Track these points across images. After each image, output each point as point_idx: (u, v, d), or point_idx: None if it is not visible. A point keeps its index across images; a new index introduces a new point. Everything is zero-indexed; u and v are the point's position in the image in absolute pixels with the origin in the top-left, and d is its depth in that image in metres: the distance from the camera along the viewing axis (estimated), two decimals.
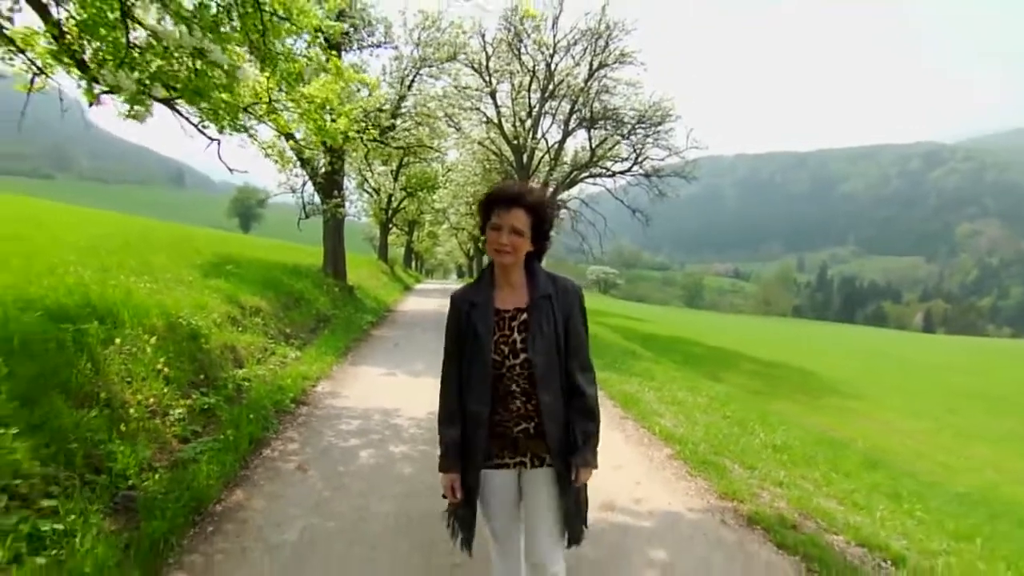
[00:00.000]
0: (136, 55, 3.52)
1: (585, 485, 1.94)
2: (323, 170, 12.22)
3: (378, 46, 13.41)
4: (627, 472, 4.31)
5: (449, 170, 23.77)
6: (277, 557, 2.85)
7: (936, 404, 17.34)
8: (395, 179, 22.09)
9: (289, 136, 6.10)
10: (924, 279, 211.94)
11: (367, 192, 24.09)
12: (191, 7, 3.90)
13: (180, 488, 3.26)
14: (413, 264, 49.07)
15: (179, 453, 3.86)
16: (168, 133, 4.25)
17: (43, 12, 3.89)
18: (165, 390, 4.42)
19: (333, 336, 8.85)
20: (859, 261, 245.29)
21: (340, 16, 5.32)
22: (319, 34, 4.86)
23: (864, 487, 4.88)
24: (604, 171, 21.11)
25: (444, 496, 1.96)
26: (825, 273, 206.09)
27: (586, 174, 21.30)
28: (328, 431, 4.78)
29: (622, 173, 20.81)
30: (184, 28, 3.31)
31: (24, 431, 3.00)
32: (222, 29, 3.95)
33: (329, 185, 12.52)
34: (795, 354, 25.04)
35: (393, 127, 13.71)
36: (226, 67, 3.56)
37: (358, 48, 12.64)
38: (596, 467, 1.91)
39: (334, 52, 5.79)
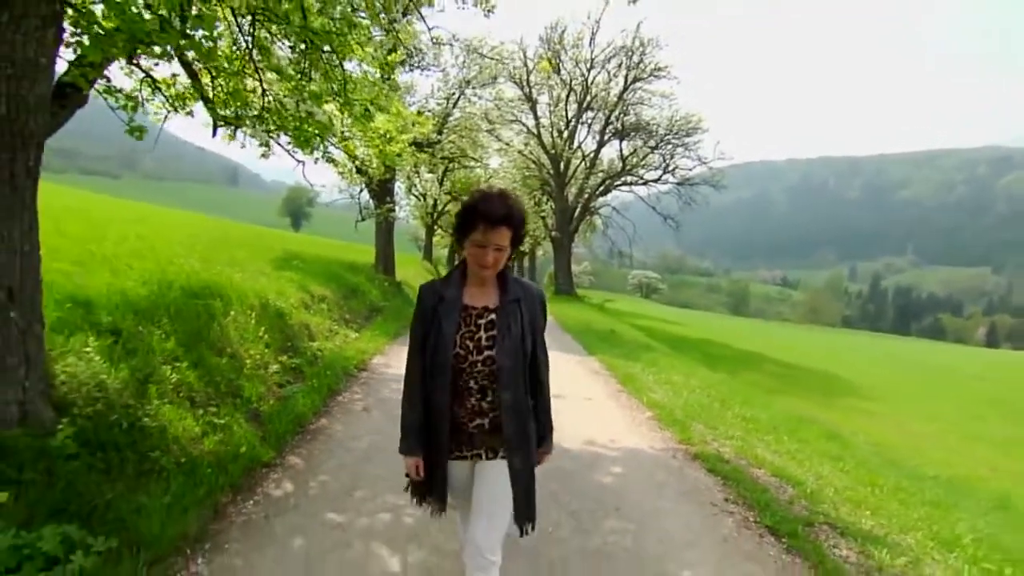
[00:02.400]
0: (264, 114, 5.01)
1: (533, 476, 2.04)
2: (376, 179, 13.84)
3: (427, 68, 14.95)
4: (611, 426, 5.58)
5: (491, 176, 25.27)
6: (353, 455, 4.27)
7: (955, 410, 17.74)
8: (440, 184, 23.71)
9: (355, 158, 7.56)
10: (990, 291, 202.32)
11: (414, 196, 25.83)
12: (294, 72, 5.41)
13: (286, 411, 4.73)
14: (456, 264, 50.84)
15: (281, 392, 5.35)
16: (209, 128, 5.48)
17: (192, 74, 5.43)
18: (265, 351, 5.93)
19: (385, 323, 10.37)
20: (917, 272, 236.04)
21: (394, 48, 6.69)
22: (384, 78, 6.28)
23: (811, 450, 5.99)
24: (637, 179, 22.23)
25: (407, 475, 2.10)
26: (878, 283, 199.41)
27: (619, 182, 22.44)
28: (384, 389, 6.22)
29: (654, 181, 21.89)
30: (294, 100, 4.78)
31: (189, 366, 4.51)
32: (312, 87, 5.44)
33: (382, 192, 14.15)
34: (823, 360, 25.43)
35: (439, 141, 15.24)
36: (321, 119, 5.02)
37: (409, 69, 14.23)
38: (550, 452, 2.19)
39: (395, 94, 7.24)
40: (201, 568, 2.70)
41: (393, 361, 7.75)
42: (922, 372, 27.61)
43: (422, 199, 24.70)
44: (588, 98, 20.63)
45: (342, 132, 6.21)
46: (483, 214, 1.83)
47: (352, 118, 6.19)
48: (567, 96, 20.47)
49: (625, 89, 20.32)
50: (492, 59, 14.14)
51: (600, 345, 11.66)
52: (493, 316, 1.95)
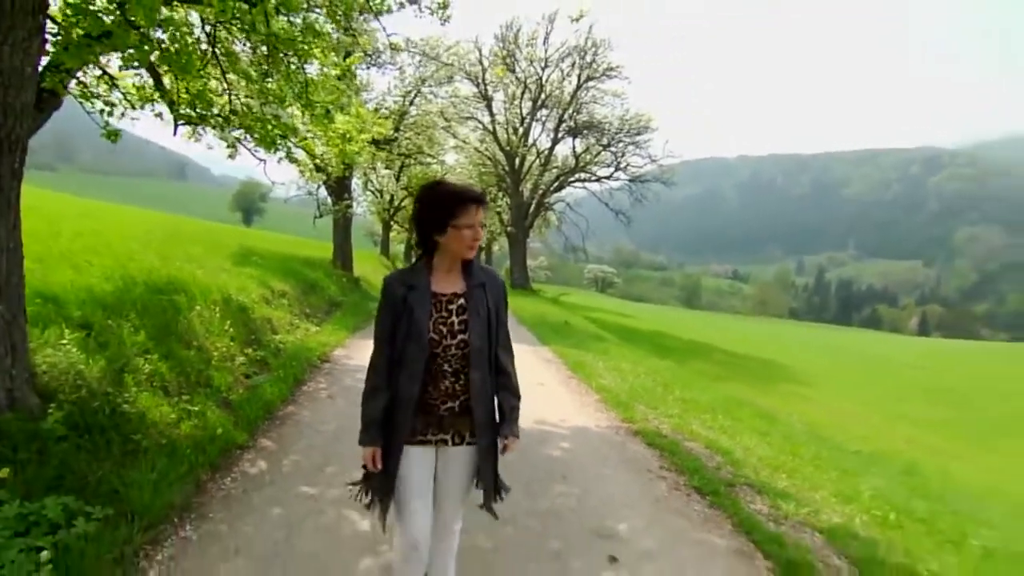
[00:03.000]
0: (230, 115, 5.23)
1: (498, 454, 2.12)
2: (334, 176, 13.96)
3: (383, 66, 15.11)
4: (561, 408, 6.04)
5: (447, 172, 25.49)
6: (322, 437, 4.58)
7: (884, 394, 19.09)
8: (397, 180, 23.81)
9: (315, 156, 7.78)
10: (922, 283, 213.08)
11: (371, 192, 25.84)
12: (255, 74, 5.63)
13: (256, 399, 5.00)
14: (413, 259, 50.83)
15: (249, 382, 5.59)
16: (170, 126, 5.43)
17: (155, 76, 5.59)
18: (231, 344, 6.14)
19: (344, 317, 10.59)
20: (858, 265, 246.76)
21: (351, 51, 6.96)
22: (342, 79, 6.54)
23: (742, 427, 6.59)
24: (590, 176, 22.90)
25: (364, 467, 2.09)
26: (823, 276, 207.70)
27: (573, 178, 23.07)
28: (346, 378, 6.51)
29: (606, 178, 22.61)
30: (258, 103, 5.02)
31: (160, 358, 4.73)
32: (274, 88, 5.68)
33: (339, 188, 14.27)
34: (768, 349, 26.74)
35: (396, 139, 15.45)
36: (287, 121, 5.27)
37: (366, 67, 14.40)
38: (519, 437, 2.12)
39: (356, 97, 7.49)
40: (190, 533, 2.99)
41: (354, 353, 8.02)
42: (856, 360, 29.33)
43: (379, 195, 24.77)
44: (542, 96, 21.13)
45: (303, 132, 6.44)
46: (466, 196, 1.93)
47: (313, 119, 6.45)
48: (522, 94, 20.92)
49: (578, 88, 20.91)
50: (447, 64, 14.46)
51: (553, 336, 12.16)
52: (462, 301, 2.02)
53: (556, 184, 23.57)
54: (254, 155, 6.81)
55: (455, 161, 24.32)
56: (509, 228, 25.39)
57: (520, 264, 26.08)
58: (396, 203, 27.20)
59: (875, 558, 3.31)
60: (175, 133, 6.05)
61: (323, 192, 14.73)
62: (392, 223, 30.40)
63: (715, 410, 7.08)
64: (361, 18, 7.48)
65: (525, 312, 17.63)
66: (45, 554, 2.38)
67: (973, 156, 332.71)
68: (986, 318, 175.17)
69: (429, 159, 18.97)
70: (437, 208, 1.94)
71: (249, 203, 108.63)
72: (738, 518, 3.57)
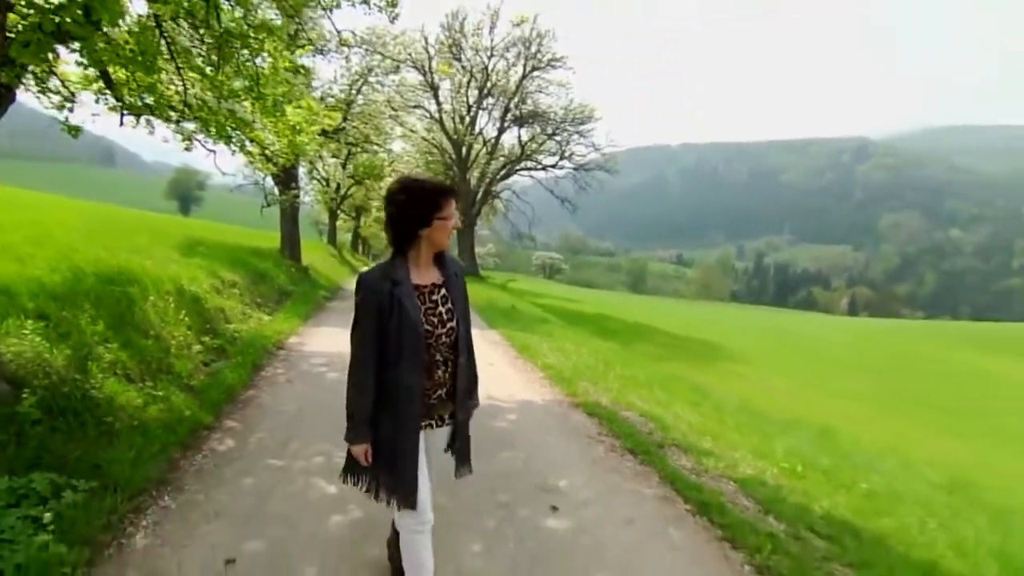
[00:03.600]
0: (184, 109, 5.34)
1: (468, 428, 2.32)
2: (285, 165, 13.88)
3: (329, 53, 15.03)
4: (508, 385, 6.46)
5: (394, 160, 25.44)
6: (285, 418, 4.85)
7: (814, 371, 20.47)
8: (344, 167, 23.63)
9: (264, 148, 7.87)
10: (851, 267, 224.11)
11: (317, 181, 25.52)
12: (203, 64, 5.74)
13: (217, 384, 5.20)
14: (360, 249, 50.30)
15: (209, 369, 5.77)
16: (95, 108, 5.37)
17: (103, 70, 5.62)
18: (188, 333, 6.27)
19: (296, 306, 10.70)
20: (793, 249, 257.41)
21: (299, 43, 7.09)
22: (294, 73, 6.68)
23: (676, 399, 7.19)
24: (536, 164, 23.38)
25: (353, 463, 2.17)
26: (762, 260, 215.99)
27: (520, 167, 23.48)
28: (303, 363, 6.75)
29: (552, 167, 23.14)
30: (214, 96, 5.17)
31: (120, 347, 4.87)
32: (225, 80, 5.81)
33: (286, 177, 14.20)
34: (709, 331, 28.01)
35: (343, 128, 15.44)
36: (243, 116, 5.43)
37: (312, 55, 14.27)
38: (479, 405, 2.39)
39: (306, 90, 7.62)
40: (169, 503, 3.25)
41: (308, 340, 8.22)
42: (790, 340, 31.09)
43: (325, 184, 24.52)
44: (488, 85, 21.36)
45: (255, 125, 6.58)
46: (447, 188, 2.04)
47: (264, 111, 6.59)
48: (468, 83, 21.10)
49: (523, 77, 21.25)
50: (394, 59, 14.51)
51: (501, 320, 12.59)
52: (444, 291, 2.11)
53: (503, 172, 23.93)
54: (204, 146, 6.90)
55: (402, 150, 24.38)
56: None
57: (468, 251, 26.37)
58: (343, 192, 27.02)
59: (778, 498, 3.88)
60: (121, 123, 6.11)
61: (270, 182, 14.62)
62: (339, 212, 30.13)
63: (652, 385, 7.67)
64: (310, 12, 7.62)
65: (474, 298, 17.85)
66: (48, 515, 2.62)
67: (895, 146, 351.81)
68: (907, 298, 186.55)
69: (376, 147, 18.98)
70: (421, 203, 1.99)
71: (186, 191, 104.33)
72: (665, 472, 4.08)
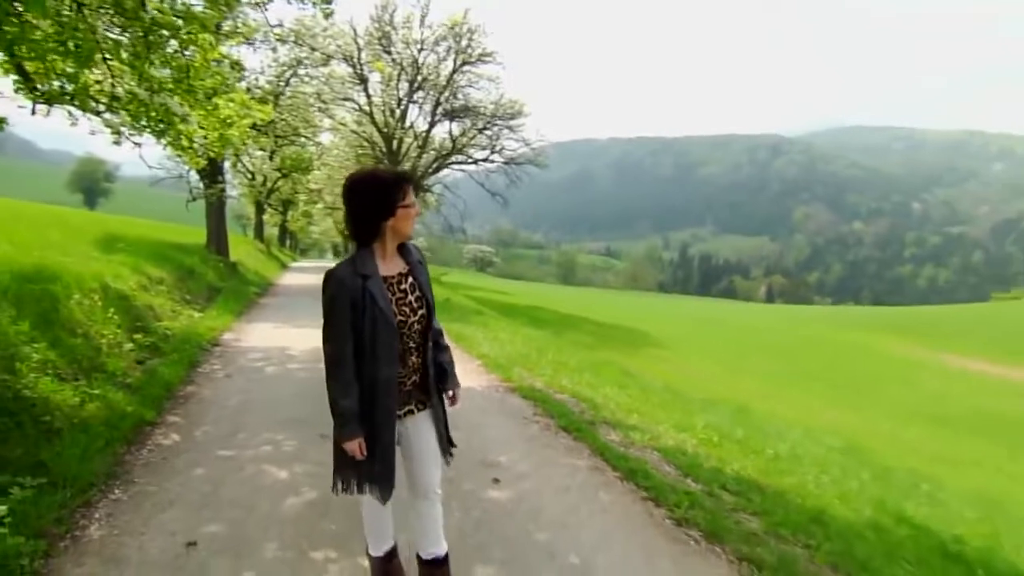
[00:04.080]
0: (113, 103, 5.22)
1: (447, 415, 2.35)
2: (218, 158, 13.42)
3: (250, 42, 14.59)
4: None
5: (323, 153, 24.89)
6: (228, 411, 4.90)
7: (733, 355, 21.84)
8: (271, 159, 22.96)
9: (192, 142, 7.72)
10: (768, 256, 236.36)
11: (242, 174, 24.63)
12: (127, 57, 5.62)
13: (155, 381, 5.17)
14: (287, 243, 48.83)
15: (144, 366, 5.69)
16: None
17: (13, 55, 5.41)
18: (117, 331, 6.13)
19: (227, 302, 10.48)
20: (716, 240, 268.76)
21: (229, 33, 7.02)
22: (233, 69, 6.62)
23: (605, 381, 7.65)
24: (467, 158, 23.57)
25: (352, 458, 2.11)
26: (687, 251, 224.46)
27: (450, 161, 23.59)
28: (241, 359, 6.73)
29: (483, 161, 23.40)
30: (147, 91, 5.09)
31: (48, 346, 4.77)
32: (154, 73, 5.72)
33: (213, 171, 13.73)
34: (637, 320, 29.19)
35: (272, 121, 15.07)
36: (176, 111, 5.36)
37: (237, 45, 13.79)
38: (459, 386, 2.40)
39: (241, 87, 7.52)
40: (120, 495, 3.31)
41: (243, 337, 8.14)
42: (712, 326, 32.83)
43: (251, 177, 23.70)
44: (419, 79, 21.30)
45: (187, 117, 6.48)
46: (406, 177, 2.11)
47: (195, 104, 6.49)
48: (398, 76, 20.95)
49: (454, 72, 21.31)
50: (321, 52, 14.23)
51: (436, 312, 12.72)
52: (411, 280, 2.15)
53: (434, 166, 23.94)
54: (128, 139, 6.72)
55: (331, 142, 23.86)
56: None
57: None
58: (270, 185, 26.19)
59: (696, 464, 4.34)
60: (33, 112, 5.89)
61: (194, 175, 14.06)
62: (266, 206, 29.20)
63: (582, 370, 8.11)
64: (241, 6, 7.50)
65: None
66: (3, 508, 2.66)
67: (807, 144, 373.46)
68: (817, 286, 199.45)
69: (304, 140, 18.58)
70: (383, 193, 2.03)
71: (91, 183, 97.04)
72: (595, 446, 4.46)
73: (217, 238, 14.90)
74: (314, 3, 6.28)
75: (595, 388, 6.90)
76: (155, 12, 5.21)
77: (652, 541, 3.10)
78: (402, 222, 2.08)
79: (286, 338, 8.02)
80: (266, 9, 6.19)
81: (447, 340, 2.43)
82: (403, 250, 2.20)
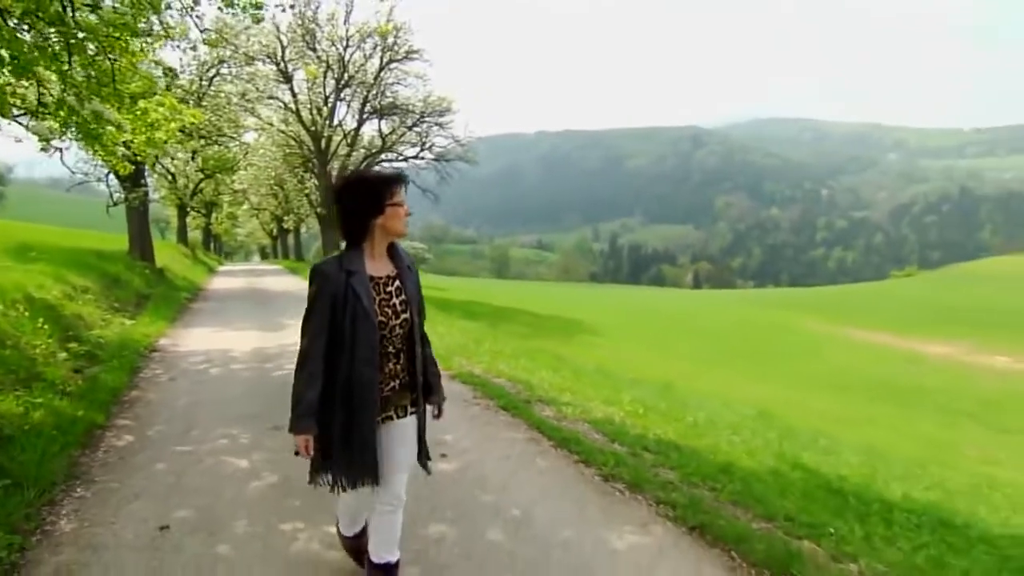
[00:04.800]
0: (39, 109, 5.17)
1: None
2: (147, 163, 12.96)
3: (168, 38, 14.13)
4: None
5: (248, 152, 24.24)
6: (178, 411, 5.03)
7: (661, 338, 23.00)
8: (192, 160, 22.17)
9: (116, 146, 7.61)
10: (693, 244, 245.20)
11: (162, 176, 23.60)
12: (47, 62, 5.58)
13: (99, 387, 5.22)
14: (211, 247, 46.96)
15: (83, 374, 5.68)
16: None
17: None
18: (49, 341, 6.07)
19: (158, 308, 10.28)
20: (644, 230, 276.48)
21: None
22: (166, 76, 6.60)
23: (539, 366, 8.13)
24: (397, 156, 23.62)
25: (296, 454, 2.11)
26: (616, 242, 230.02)
27: (381, 158, 23.54)
28: (182, 362, 6.77)
29: (413, 158, 23.52)
30: (75, 97, 5.09)
31: None
32: (80, 79, 5.70)
33: (135, 174, 13.23)
34: (570, 310, 30.05)
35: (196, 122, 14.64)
36: (109, 117, 5.37)
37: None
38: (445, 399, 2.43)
39: (168, 91, 7.45)
40: (83, 493, 3.46)
41: (180, 342, 8.10)
42: (642, 313, 34.21)
43: (172, 179, 22.75)
44: (346, 76, 21.13)
45: (121, 127, 6.44)
46: (395, 176, 2.11)
47: (120, 107, 6.46)
48: (324, 74, 20.72)
49: (381, 69, 21.27)
50: (245, 53, 13.95)
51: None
52: (398, 282, 2.15)
53: (364, 164, 23.81)
54: (49, 143, 6.60)
55: (256, 142, 23.30)
56: (319, 210, 25.04)
57: (333, 246, 25.87)
58: (192, 187, 25.19)
59: (622, 431, 4.86)
60: None
61: (112, 179, 13.48)
62: (189, 208, 28.02)
63: (518, 356, 8.57)
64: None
65: None
66: None
67: (724, 135, 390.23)
68: (740, 270, 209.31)
69: (228, 140, 18.09)
70: (373, 192, 2.05)
71: None
72: (532, 421, 4.91)
73: (140, 244, 14.38)
74: (243, 8, 6.36)
75: (531, 372, 7.37)
76: (78, 17, 5.23)
77: (583, 495, 3.56)
78: (392, 220, 2.09)
79: (226, 341, 8.04)
80: (196, 14, 6.22)
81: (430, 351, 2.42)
82: (394, 254, 2.20)
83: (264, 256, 62.22)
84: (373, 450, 2.11)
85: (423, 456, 2.38)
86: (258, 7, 6.18)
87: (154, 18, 6.26)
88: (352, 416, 2.07)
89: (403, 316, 2.15)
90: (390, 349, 2.14)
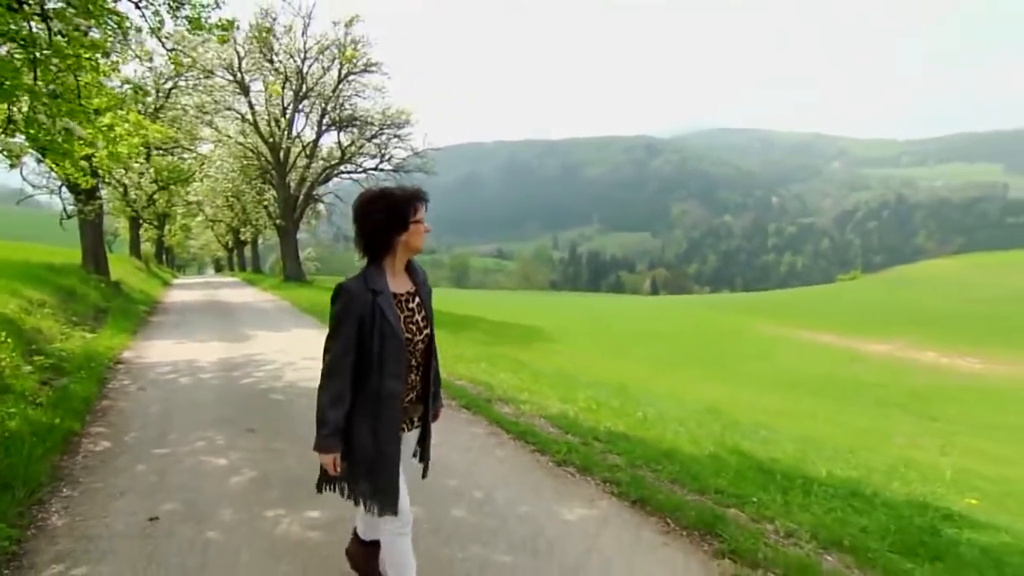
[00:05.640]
0: (8, 126, 5.30)
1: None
2: (110, 177, 12.82)
3: (138, 58, 14.06)
4: None
5: (203, 163, 23.94)
6: (152, 418, 5.21)
7: (619, 343, 23.68)
8: (147, 171, 21.80)
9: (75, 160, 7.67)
10: (651, 251, 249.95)
11: (112, 187, 23.03)
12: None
13: (69, 397, 5.35)
14: (164, 259, 45.77)
15: (51, 386, 5.78)
16: None
17: None
18: (13, 355, 6.13)
19: (117, 322, 10.25)
20: (602, 238, 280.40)
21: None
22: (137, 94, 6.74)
23: (499, 369, 8.51)
24: (357, 167, 23.73)
25: (324, 473, 2.15)
26: (575, 250, 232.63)
27: (340, 170, 23.63)
28: (150, 373, 6.90)
29: (372, 170, 23.66)
30: (46, 115, 5.24)
31: None
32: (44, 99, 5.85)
33: (91, 187, 13.04)
34: (530, 318, 30.54)
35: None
36: (80, 134, 5.52)
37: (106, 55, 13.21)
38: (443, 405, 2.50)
39: (133, 108, 7.58)
40: (70, 492, 3.67)
41: (145, 354, 8.18)
42: (601, 319, 34.98)
43: (123, 190, 22.21)
44: (304, 88, 21.20)
45: (96, 144, 6.57)
46: (419, 193, 2.12)
47: (85, 123, 6.59)
48: (283, 86, 20.74)
49: (340, 81, 21.42)
50: (201, 67, 13.94)
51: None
52: (418, 299, 2.19)
53: (323, 175, 23.84)
54: (19, 159, 6.68)
55: (213, 153, 23.02)
56: (278, 221, 24.90)
57: (293, 257, 25.75)
58: (145, 199, 24.61)
59: (576, 424, 5.29)
60: None
61: (66, 192, 13.26)
62: (141, 220, 27.33)
63: (479, 360, 8.94)
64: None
65: (304, 301, 17.97)
66: None
67: (679, 144, 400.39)
68: (696, 276, 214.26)
69: (185, 153, 17.92)
70: (399, 209, 2.07)
71: None
72: (491, 417, 5.29)
73: (95, 257, 14.16)
74: (210, 29, 6.59)
75: (491, 374, 7.75)
76: (46, 36, 5.39)
77: (538, 478, 3.97)
78: (414, 237, 2.13)
79: (191, 352, 8.16)
80: (163, 36, 6.41)
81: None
82: (410, 269, 2.24)
83: (219, 268, 60.92)
84: (397, 467, 2.14)
85: (428, 459, 2.44)
86: (225, 28, 6.42)
87: (122, 41, 6.43)
88: (377, 431, 2.09)
89: (425, 332, 2.20)
90: (412, 363, 2.18)
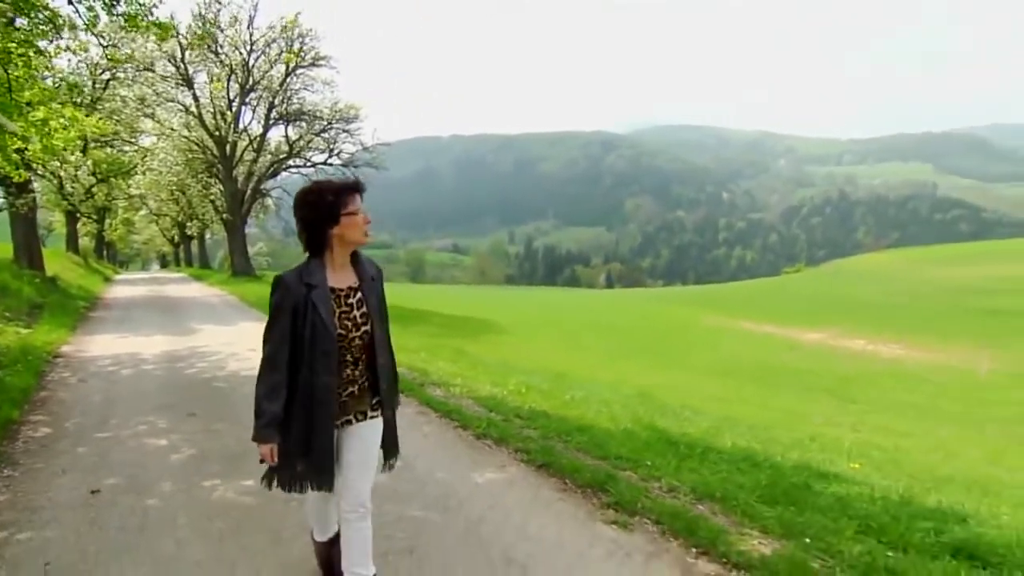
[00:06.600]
0: None
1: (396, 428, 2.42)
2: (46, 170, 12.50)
3: (72, 53, 13.75)
4: None
5: (145, 156, 23.34)
6: (93, 406, 5.40)
7: (569, 334, 24.37)
8: (83, 164, 21.15)
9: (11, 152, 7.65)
10: (606, 245, 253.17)
11: (45, 179, 22.22)
12: None
13: (7, 387, 5.48)
14: (104, 254, 44.16)
15: None
16: None
17: None
18: None
19: (55, 317, 10.16)
20: (558, 232, 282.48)
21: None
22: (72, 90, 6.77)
23: (438, 358, 8.91)
24: (305, 162, 23.59)
25: (261, 462, 2.14)
26: (531, 244, 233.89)
27: (289, 164, 23.46)
28: (91, 366, 7.01)
29: (322, 164, 23.58)
30: None
31: None
32: None
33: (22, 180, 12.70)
34: (484, 311, 30.97)
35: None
36: (9, 129, 5.60)
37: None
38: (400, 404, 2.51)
39: (72, 103, 7.58)
40: (10, 472, 3.89)
41: (85, 348, 8.23)
42: (555, 312, 35.69)
43: (58, 182, 21.45)
44: (251, 81, 20.97)
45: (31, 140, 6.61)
46: (348, 185, 2.10)
47: (16, 116, 6.63)
48: (228, 78, 20.46)
49: (287, 75, 21.26)
50: (139, 62, 13.67)
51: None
52: (360, 295, 2.17)
53: (271, 170, 23.60)
54: None
55: (156, 146, 22.47)
56: (225, 215, 24.51)
57: (241, 251, 25.37)
58: (83, 191, 23.82)
59: (501, 405, 5.72)
60: None
61: None
62: (79, 215, 26.41)
63: (420, 350, 9.33)
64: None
65: (252, 295, 17.90)
66: None
67: (633, 140, 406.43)
68: (650, 270, 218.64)
69: (126, 145, 17.50)
70: (325, 202, 2.05)
71: None
72: (422, 399, 5.68)
73: (28, 251, 13.79)
74: (147, 28, 6.71)
75: (429, 363, 8.14)
76: None
77: (458, 449, 4.39)
78: (348, 230, 2.10)
79: (134, 346, 8.25)
80: (98, 32, 6.49)
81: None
82: (358, 265, 2.23)
83: (164, 264, 59.09)
84: (330, 455, 2.16)
85: (393, 453, 2.44)
86: (164, 28, 6.54)
87: (54, 34, 6.50)
88: (311, 421, 2.11)
89: (363, 328, 2.17)
90: (348, 358, 2.17)
